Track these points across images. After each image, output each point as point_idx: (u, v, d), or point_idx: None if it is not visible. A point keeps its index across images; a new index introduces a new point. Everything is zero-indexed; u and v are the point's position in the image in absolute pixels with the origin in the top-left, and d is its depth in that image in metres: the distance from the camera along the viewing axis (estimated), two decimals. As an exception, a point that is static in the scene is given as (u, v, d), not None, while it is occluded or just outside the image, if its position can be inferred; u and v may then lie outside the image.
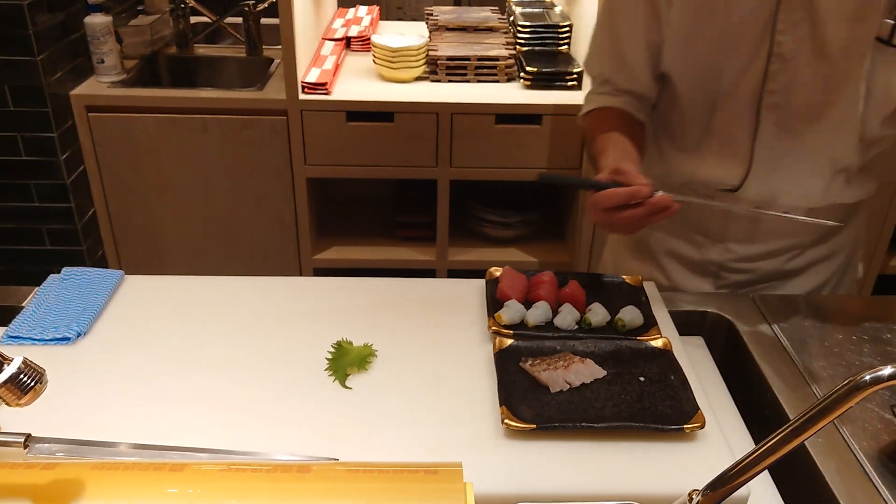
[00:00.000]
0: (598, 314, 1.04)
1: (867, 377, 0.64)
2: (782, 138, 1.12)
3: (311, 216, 2.40)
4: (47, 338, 1.00)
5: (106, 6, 2.23)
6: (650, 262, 1.34)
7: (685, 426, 0.86)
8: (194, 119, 2.23)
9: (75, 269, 1.14)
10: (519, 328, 1.03)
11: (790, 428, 0.66)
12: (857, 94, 1.06)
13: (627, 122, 1.20)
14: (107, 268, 1.30)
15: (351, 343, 1.00)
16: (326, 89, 2.21)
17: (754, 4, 1.04)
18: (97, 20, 2.18)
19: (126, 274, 1.16)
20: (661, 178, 1.19)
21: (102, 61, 2.24)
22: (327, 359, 0.98)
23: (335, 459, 0.83)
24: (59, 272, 1.15)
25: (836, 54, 1.03)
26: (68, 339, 1.00)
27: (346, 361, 0.97)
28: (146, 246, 2.43)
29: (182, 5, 2.54)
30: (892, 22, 1.00)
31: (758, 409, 1.06)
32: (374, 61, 2.34)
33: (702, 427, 0.86)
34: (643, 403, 0.91)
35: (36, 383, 0.89)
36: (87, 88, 2.24)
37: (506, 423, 0.86)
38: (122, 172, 2.29)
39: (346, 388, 0.95)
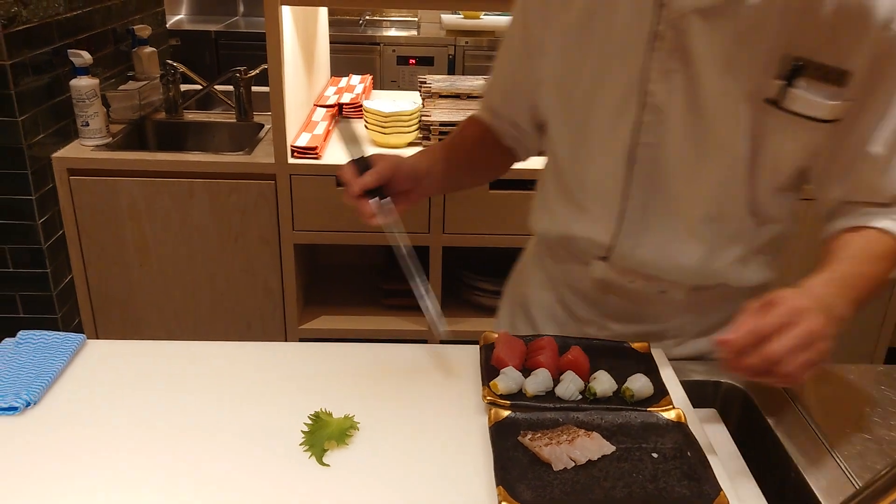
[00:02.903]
0: (603, 383, 0.95)
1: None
2: (655, 196, 1.03)
3: (297, 284, 2.31)
4: (-8, 407, 0.90)
5: (93, 70, 2.20)
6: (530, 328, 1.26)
7: (707, 510, 0.76)
8: (180, 183, 2.17)
9: (32, 332, 1.05)
10: (517, 398, 0.94)
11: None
12: (735, 157, 0.97)
13: (480, 138, 1.20)
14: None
15: (330, 414, 0.90)
16: (316, 154, 2.16)
17: (627, 50, 0.97)
18: (83, 83, 2.14)
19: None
20: (546, 232, 1.18)
21: (87, 124, 2.19)
22: (303, 432, 0.88)
23: (308, 549, 0.72)
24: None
25: (710, 110, 0.94)
26: (15, 409, 0.90)
27: (323, 435, 0.87)
28: (125, 314, 2.33)
29: (172, 72, 2.52)
30: (781, 82, 0.91)
31: (780, 489, 0.96)
32: (365, 127, 2.30)
33: (725, 511, 0.76)
34: (658, 483, 0.81)
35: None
36: (70, 151, 2.18)
37: (503, 506, 0.75)
38: (103, 237, 2.21)
39: (324, 465, 0.84)
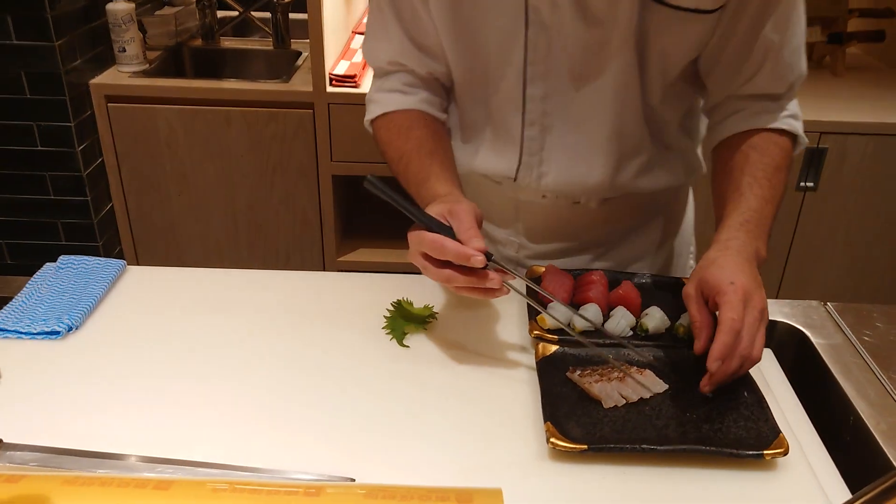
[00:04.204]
0: (655, 319, 0.91)
1: None
2: (551, 112, 0.99)
3: (336, 216, 2.29)
4: (34, 331, 0.89)
5: (129, -6, 2.16)
6: None
7: (765, 452, 0.73)
8: (218, 111, 2.14)
9: (73, 257, 1.04)
10: (565, 333, 0.91)
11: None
12: (625, 63, 0.93)
13: (434, 128, 1.05)
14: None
15: (411, 303, 0.96)
16: (355, 82, 2.11)
17: None
18: (119, 7, 2.10)
19: (137, 268, 1.06)
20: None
21: (124, 50, 2.16)
22: (385, 317, 0.95)
23: (352, 480, 0.71)
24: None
25: (601, 16, 0.90)
26: (57, 333, 0.90)
27: (403, 322, 0.93)
28: (165, 243, 2.34)
29: (209, -4, 2.46)
30: None
31: (838, 432, 0.92)
32: (405, 54, 2.24)
33: (785, 453, 0.73)
34: (713, 424, 0.77)
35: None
36: (108, 78, 2.16)
37: (552, 443, 0.73)
38: (142, 165, 2.21)
39: (404, 346, 0.91)
